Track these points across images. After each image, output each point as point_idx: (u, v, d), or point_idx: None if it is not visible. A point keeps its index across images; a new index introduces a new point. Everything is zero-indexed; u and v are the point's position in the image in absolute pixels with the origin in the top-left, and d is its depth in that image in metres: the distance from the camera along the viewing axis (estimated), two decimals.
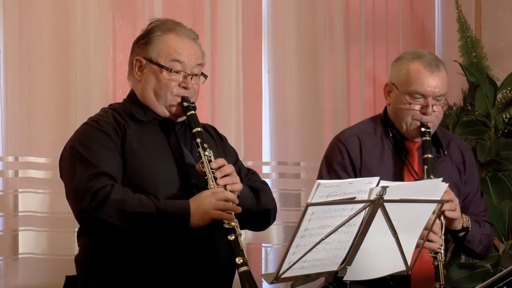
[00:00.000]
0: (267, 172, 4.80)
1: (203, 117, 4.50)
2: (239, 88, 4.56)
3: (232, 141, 4.51)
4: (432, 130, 3.63)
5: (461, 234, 3.63)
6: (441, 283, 3.41)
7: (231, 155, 3.40)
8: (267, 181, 4.76)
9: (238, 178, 3.18)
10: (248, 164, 4.71)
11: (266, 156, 4.80)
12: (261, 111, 4.75)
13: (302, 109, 4.79)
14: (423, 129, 3.60)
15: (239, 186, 3.16)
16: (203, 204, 3.04)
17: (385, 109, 3.77)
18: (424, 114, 3.61)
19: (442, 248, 3.43)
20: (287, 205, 4.77)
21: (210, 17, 4.52)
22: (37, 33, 4.00)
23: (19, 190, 3.97)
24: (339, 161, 3.67)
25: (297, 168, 4.81)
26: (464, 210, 3.64)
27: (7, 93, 3.95)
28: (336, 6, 4.96)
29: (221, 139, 3.46)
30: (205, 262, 3.14)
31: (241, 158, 4.53)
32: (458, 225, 3.58)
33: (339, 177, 3.62)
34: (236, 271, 3.00)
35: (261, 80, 4.76)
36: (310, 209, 2.72)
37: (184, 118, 3.26)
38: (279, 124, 4.78)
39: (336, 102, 4.95)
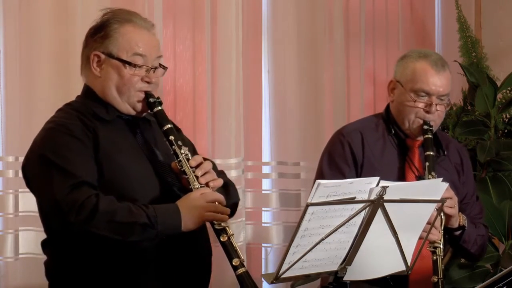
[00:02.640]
0: (267, 172, 4.80)
1: (203, 117, 4.51)
2: (239, 88, 4.56)
3: (232, 141, 4.52)
4: (434, 129, 3.66)
5: (458, 233, 3.65)
6: (440, 277, 3.43)
7: (189, 147, 3.21)
8: (267, 181, 4.81)
9: (215, 173, 3.09)
10: (248, 164, 4.71)
11: (266, 156, 4.80)
12: (261, 111, 4.75)
13: (302, 109, 4.79)
14: (425, 127, 3.63)
15: (220, 182, 3.08)
16: (194, 207, 2.96)
17: (387, 107, 3.80)
18: (428, 112, 3.64)
19: (441, 242, 3.47)
20: (287, 205, 4.77)
21: (210, 17, 4.51)
22: (37, 33, 3.99)
23: (19, 190, 3.97)
24: (341, 153, 3.68)
25: (297, 168, 4.81)
26: (460, 211, 3.67)
27: (7, 93, 3.96)
28: (336, 6, 4.95)
29: (178, 130, 3.28)
30: (181, 266, 3.05)
31: (241, 158, 4.57)
32: (455, 223, 3.61)
33: (340, 170, 3.64)
34: (234, 273, 2.93)
35: (261, 80, 4.76)
36: (310, 209, 2.72)
37: (145, 113, 3.13)
38: (279, 124, 4.78)
39: (336, 102, 4.95)
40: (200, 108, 4.53)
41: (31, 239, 3.99)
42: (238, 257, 2.93)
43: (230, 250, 2.95)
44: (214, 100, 4.54)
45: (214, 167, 3.23)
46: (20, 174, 3.94)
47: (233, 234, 2.98)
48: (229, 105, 4.53)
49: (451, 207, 3.52)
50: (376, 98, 5.24)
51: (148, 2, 4.26)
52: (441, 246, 3.47)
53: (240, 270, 2.92)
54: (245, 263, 2.96)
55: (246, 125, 4.63)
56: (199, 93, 4.54)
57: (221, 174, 3.27)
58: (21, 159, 3.93)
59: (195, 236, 3.03)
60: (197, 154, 3.23)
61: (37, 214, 3.98)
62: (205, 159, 3.18)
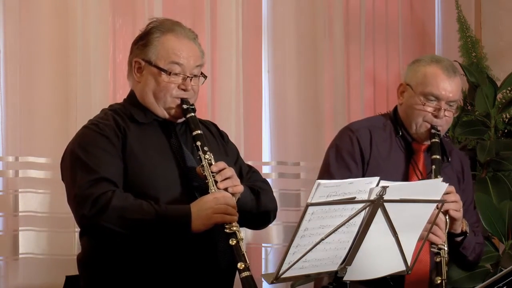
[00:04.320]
0: (267, 172, 4.80)
1: (203, 117, 4.48)
2: (239, 88, 4.56)
3: (232, 141, 4.52)
4: (441, 134, 3.67)
5: (459, 239, 3.65)
6: (443, 278, 3.44)
7: (232, 153, 3.40)
8: (267, 181, 4.79)
9: (238, 180, 3.16)
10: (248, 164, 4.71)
11: (266, 156, 4.80)
12: (261, 111, 4.75)
13: (302, 109, 4.79)
14: (433, 131, 3.64)
15: (240, 188, 3.14)
16: (205, 208, 3.03)
17: (395, 109, 3.80)
18: (436, 117, 3.65)
19: (445, 244, 3.47)
20: (286, 205, 4.77)
21: (210, 17, 4.52)
22: (37, 33, 4.00)
23: (19, 190, 3.97)
24: (349, 149, 3.68)
25: (297, 168, 4.81)
26: None
27: (7, 93, 3.96)
28: (336, 6, 4.95)
29: (222, 136, 3.45)
30: (206, 264, 3.14)
31: None
32: (458, 228, 3.62)
33: (347, 165, 3.64)
34: (238, 275, 2.99)
35: (261, 80, 4.76)
36: (310, 209, 2.73)
37: (184, 119, 3.24)
38: (279, 124, 4.78)
39: (336, 102, 4.95)
40: (200, 108, 4.52)
41: (31, 239, 3.99)
42: (244, 261, 2.99)
43: (237, 254, 3.01)
44: (214, 100, 4.54)
45: (258, 174, 3.41)
46: (20, 174, 3.99)
47: (242, 239, 3.04)
48: (229, 105, 4.53)
49: (457, 210, 3.52)
50: (376, 98, 5.24)
51: (148, 2, 4.26)
52: (445, 248, 3.47)
53: (245, 274, 2.97)
54: (250, 267, 3.00)
55: (246, 125, 4.63)
56: (199, 93, 4.52)
57: (254, 172, 3.42)
58: (21, 159, 3.98)
59: (221, 240, 3.09)
60: (242, 161, 3.40)
61: (37, 214, 4.02)
62: (249, 167, 3.39)
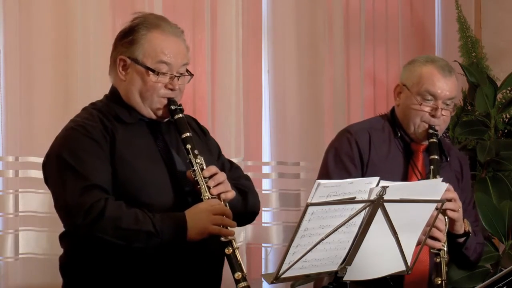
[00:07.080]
0: (267, 172, 4.80)
1: (203, 117, 4.51)
2: (239, 88, 4.56)
3: (232, 141, 4.53)
4: (439, 134, 3.67)
5: (462, 239, 3.65)
6: (443, 278, 3.44)
7: (214, 150, 3.30)
8: (267, 181, 4.81)
9: (229, 185, 3.09)
10: (248, 164, 4.71)
11: (266, 156, 4.80)
12: (261, 111, 4.75)
13: (302, 109, 4.79)
14: (430, 131, 3.64)
15: (231, 194, 3.08)
16: (201, 219, 2.96)
17: (392, 110, 3.80)
18: (433, 116, 3.65)
19: (445, 245, 3.47)
20: (286, 205, 4.77)
21: (210, 17, 4.52)
22: (37, 33, 3.99)
23: (19, 190, 3.97)
24: (348, 152, 3.67)
25: (296, 168, 4.81)
26: None
27: (7, 93, 3.95)
28: (336, 6, 4.96)
29: (204, 132, 3.34)
30: (194, 267, 3.07)
31: (241, 158, 4.57)
32: (460, 229, 3.61)
33: (346, 168, 3.64)
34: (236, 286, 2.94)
35: (261, 80, 4.76)
36: (310, 209, 2.72)
37: (169, 118, 3.15)
38: (279, 124, 4.78)
39: (336, 102, 4.95)
40: (200, 108, 4.54)
41: (31, 239, 3.99)
42: (241, 271, 2.95)
43: (233, 263, 2.96)
44: (214, 100, 4.54)
45: (240, 170, 3.30)
46: (20, 174, 3.98)
47: (238, 248, 2.99)
48: (229, 105, 4.53)
49: (454, 210, 3.52)
50: (376, 98, 5.24)
51: (148, 2, 4.26)
52: (445, 248, 3.48)
53: (242, 284, 2.93)
54: (247, 277, 2.96)
55: (246, 125, 4.63)
56: (199, 93, 4.54)
57: (236, 168, 3.33)
58: (21, 159, 3.98)
59: (208, 244, 3.03)
60: (224, 157, 3.30)
61: (37, 214, 4.02)
62: (231, 163, 3.26)
